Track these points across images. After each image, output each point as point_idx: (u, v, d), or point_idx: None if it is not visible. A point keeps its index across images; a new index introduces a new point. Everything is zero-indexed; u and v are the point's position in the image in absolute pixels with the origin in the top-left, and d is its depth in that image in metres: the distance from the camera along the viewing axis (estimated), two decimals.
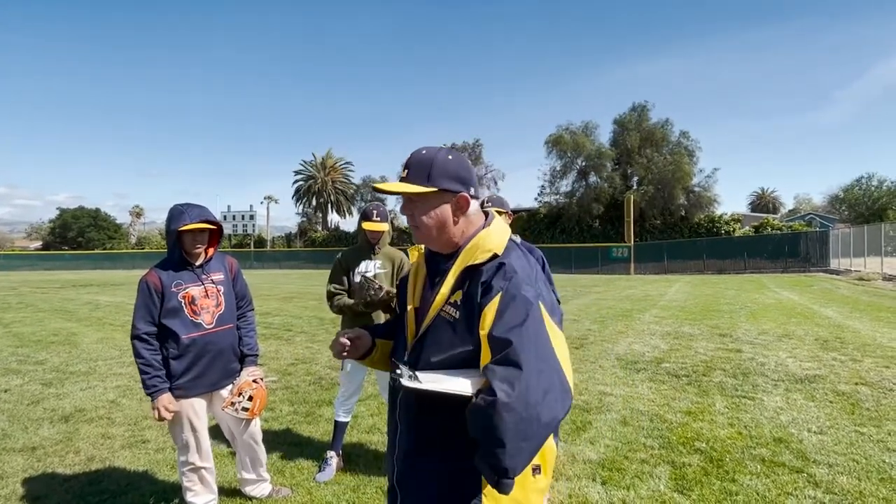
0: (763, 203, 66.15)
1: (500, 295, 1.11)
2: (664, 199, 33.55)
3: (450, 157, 1.24)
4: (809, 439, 3.48)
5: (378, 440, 3.60)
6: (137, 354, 2.37)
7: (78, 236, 57.41)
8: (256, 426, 2.73)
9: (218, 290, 2.55)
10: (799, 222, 37.11)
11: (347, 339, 1.37)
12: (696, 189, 33.82)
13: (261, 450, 2.77)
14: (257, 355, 2.75)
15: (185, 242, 2.44)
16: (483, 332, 1.10)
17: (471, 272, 1.18)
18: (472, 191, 1.25)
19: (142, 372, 2.36)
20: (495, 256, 1.18)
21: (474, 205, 1.26)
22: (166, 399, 2.38)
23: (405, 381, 1.10)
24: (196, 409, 2.49)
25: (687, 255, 29.95)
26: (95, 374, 5.64)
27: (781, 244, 28.05)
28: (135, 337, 2.38)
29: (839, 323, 8.55)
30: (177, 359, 2.41)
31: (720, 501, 2.66)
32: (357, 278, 3.03)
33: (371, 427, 3.88)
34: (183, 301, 2.43)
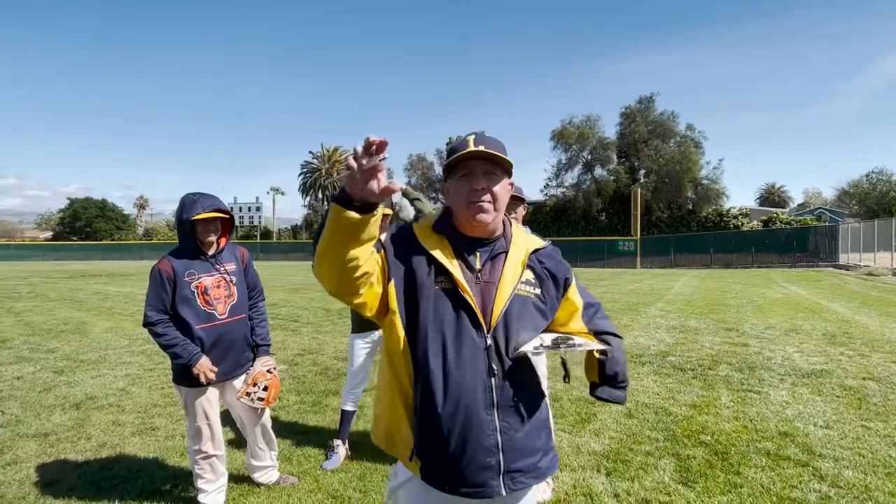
0: (771, 197, 65.49)
1: (571, 271, 1.43)
2: (671, 192, 33.32)
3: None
4: (815, 433, 3.47)
5: None
6: (157, 335, 2.36)
7: (86, 226, 57.92)
8: (267, 415, 2.77)
9: (230, 281, 2.55)
10: (808, 217, 36.75)
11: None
12: (704, 182, 33.53)
13: (271, 437, 2.81)
14: (269, 345, 2.76)
15: (197, 232, 2.44)
16: (579, 302, 1.41)
17: (535, 254, 1.39)
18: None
19: (169, 347, 2.35)
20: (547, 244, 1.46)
21: None
22: (206, 363, 2.39)
23: (566, 348, 1.27)
24: (209, 399, 2.52)
25: (694, 249, 29.78)
26: (105, 363, 5.72)
27: (790, 239, 27.81)
28: (147, 324, 2.38)
29: (847, 318, 8.48)
30: None
31: (725, 494, 2.66)
32: None
33: None
34: (195, 291, 2.43)
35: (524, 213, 2.85)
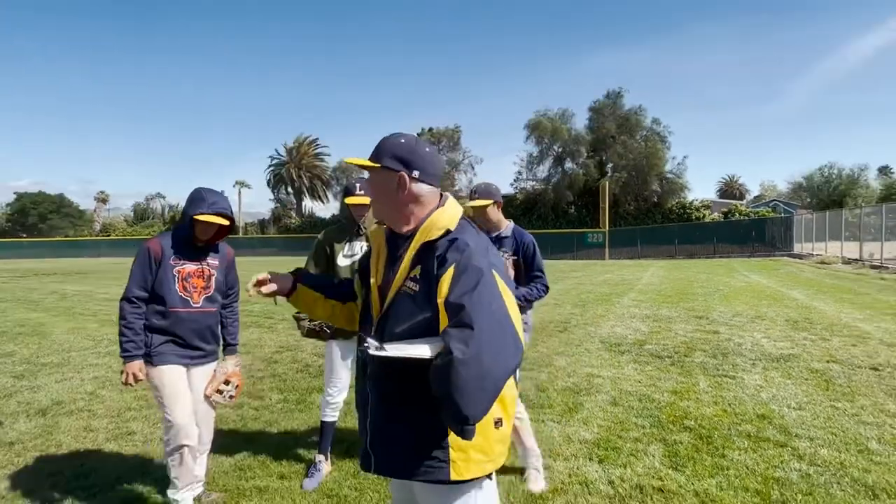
0: (730, 190, 68.16)
1: (453, 266, 1.23)
2: (638, 186, 34.24)
3: (402, 140, 1.37)
4: (790, 415, 3.64)
5: None
6: (122, 316, 2.40)
7: (39, 223, 54.85)
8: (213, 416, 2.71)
9: (211, 274, 2.58)
10: (764, 209, 38.47)
11: (263, 278, 1.56)
12: (669, 176, 34.59)
13: (209, 440, 2.67)
14: (238, 344, 2.79)
15: (195, 227, 2.45)
16: (440, 301, 1.21)
17: (427, 248, 1.30)
18: (417, 174, 1.34)
19: (121, 333, 2.39)
20: (448, 233, 1.30)
21: (422, 187, 1.35)
22: (137, 365, 2.39)
23: (372, 351, 1.22)
24: (177, 374, 2.46)
25: (659, 241, 30.72)
26: (70, 366, 5.42)
27: (749, 229, 29.07)
28: (125, 298, 2.41)
29: (806, 304, 8.94)
30: (161, 330, 2.44)
31: (713, 476, 2.76)
32: (342, 261, 2.89)
33: None
34: (177, 276, 2.46)
35: (498, 210, 2.89)
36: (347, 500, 2.62)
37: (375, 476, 2.82)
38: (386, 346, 1.23)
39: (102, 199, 62.37)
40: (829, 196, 46.32)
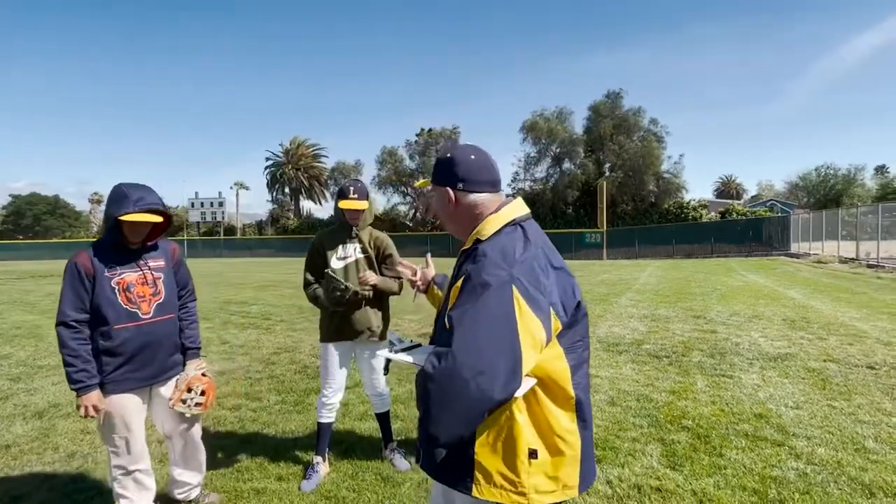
0: (728, 190, 68.35)
1: (463, 278, 1.20)
2: (635, 186, 34.33)
3: (447, 154, 1.36)
4: (787, 414, 3.65)
5: (370, 427, 3.58)
6: (63, 344, 2.12)
7: (34, 224, 54.70)
8: (197, 426, 2.55)
9: (157, 278, 2.32)
10: (761, 208, 38.59)
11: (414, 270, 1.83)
12: (666, 175, 34.69)
13: (200, 449, 2.57)
14: (199, 348, 2.57)
15: (123, 229, 2.20)
16: (447, 312, 1.21)
17: (462, 258, 1.32)
18: (462, 185, 1.32)
19: (66, 364, 2.11)
20: (478, 242, 1.27)
21: (470, 197, 1.32)
22: (95, 397, 2.14)
23: (379, 352, 1.45)
24: (131, 407, 2.25)
25: (657, 241, 30.77)
26: None
27: (746, 229, 29.13)
28: (61, 324, 2.13)
29: (803, 303, 8.96)
30: (108, 352, 2.19)
31: (711, 476, 2.76)
32: (335, 264, 2.87)
33: (363, 414, 3.85)
34: (117, 288, 2.20)
35: None
36: (345, 502, 2.61)
37: (373, 477, 2.84)
38: (414, 350, 1.33)
39: (97, 200, 62.07)
40: (825, 195, 46.54)
